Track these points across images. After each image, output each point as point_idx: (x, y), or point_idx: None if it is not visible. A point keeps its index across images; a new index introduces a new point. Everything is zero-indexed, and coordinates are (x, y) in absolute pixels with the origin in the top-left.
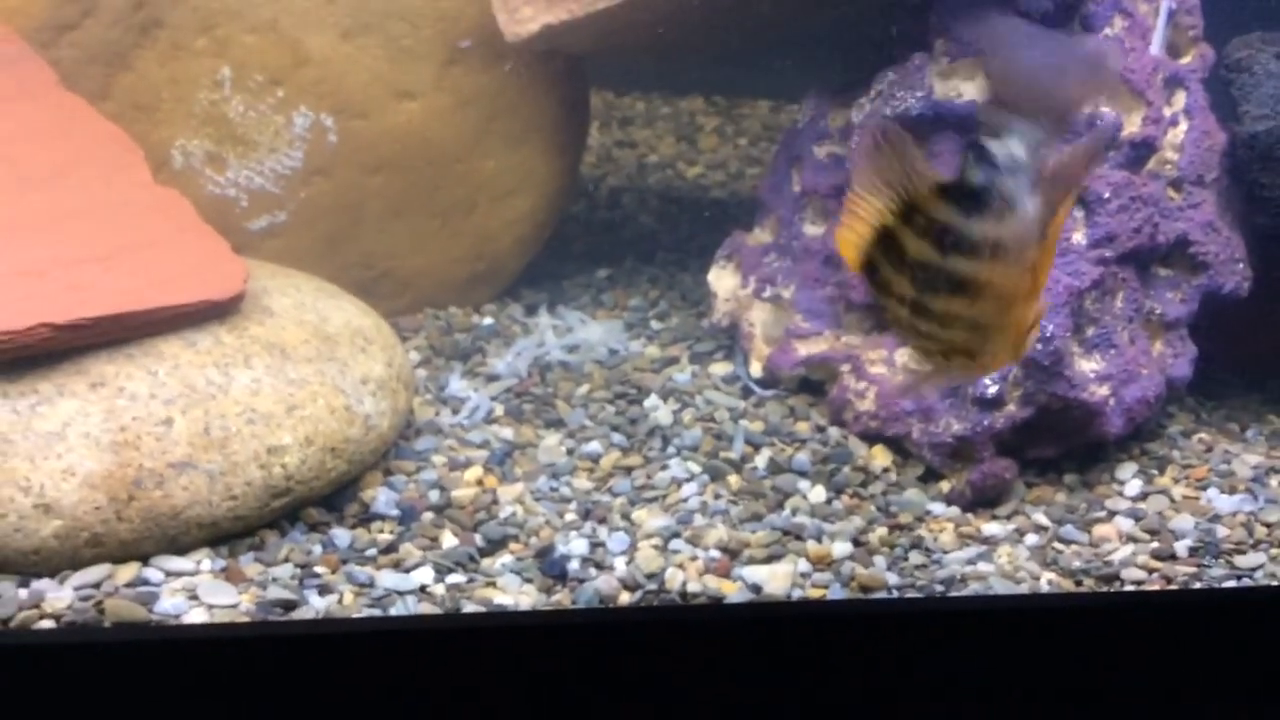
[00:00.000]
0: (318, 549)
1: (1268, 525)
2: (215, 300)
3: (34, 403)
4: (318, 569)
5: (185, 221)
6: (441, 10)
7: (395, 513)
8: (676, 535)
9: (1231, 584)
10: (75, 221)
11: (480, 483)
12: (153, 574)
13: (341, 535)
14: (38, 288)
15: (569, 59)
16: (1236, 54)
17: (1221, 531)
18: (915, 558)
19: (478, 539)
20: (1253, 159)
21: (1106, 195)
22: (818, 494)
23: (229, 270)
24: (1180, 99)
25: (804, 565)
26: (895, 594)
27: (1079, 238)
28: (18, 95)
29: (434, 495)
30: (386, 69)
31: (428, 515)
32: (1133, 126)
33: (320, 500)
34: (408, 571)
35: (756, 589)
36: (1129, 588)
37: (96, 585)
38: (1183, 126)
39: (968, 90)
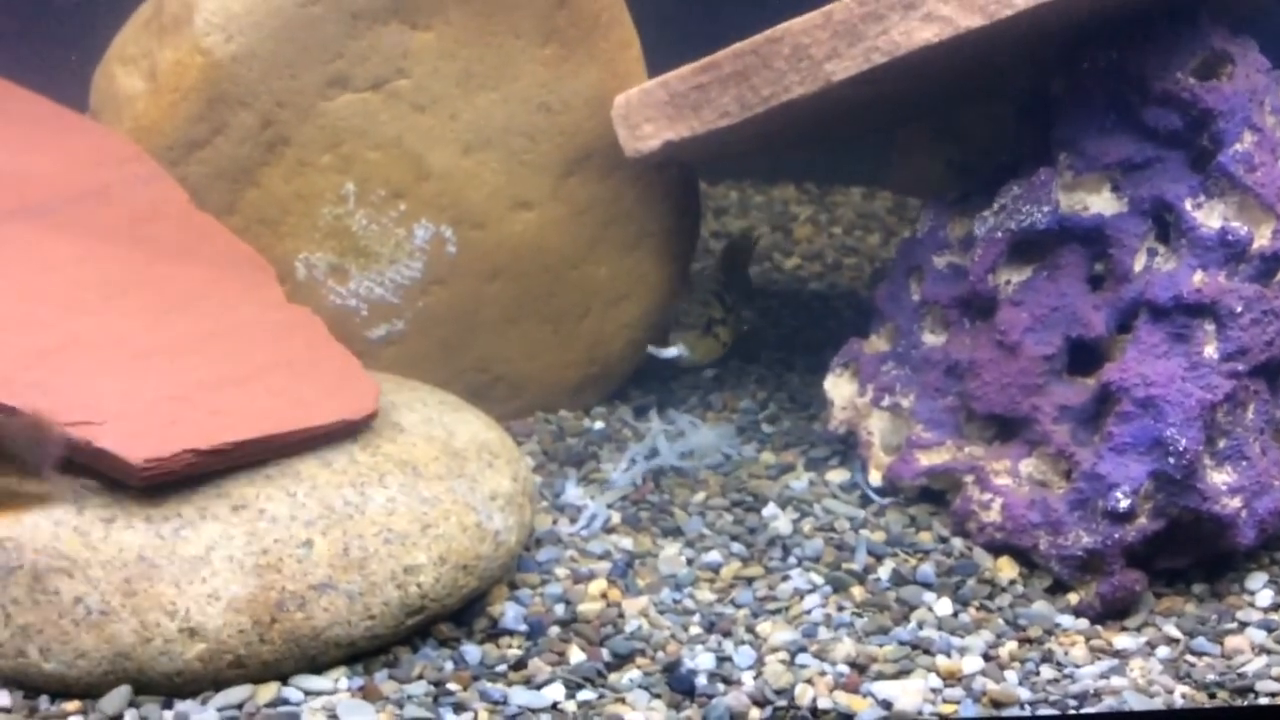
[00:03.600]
0: (449, 665)
1: None
2: (351, 420)
3: (177, 526)
4: (451, 685)
5: (318, 340)
6: (560, 125)
7: (523, 628)
8: (803, 649)
9: None
10: (214, 343)
11: (604, 595)
12: (292, 694)
13: (472, 651)
14: (182, 412)
15: (681, 166)
16: None
17: None
18: (1047, 672)
19: (604, 653)
20: None
21: (1239, 309)
22: (944, 606)
23: (362, 389)
24: None
25: (934, 680)
26: (1028, 709)
27: (1211, 352)
28: (152, 217)
29: (559, 609)
30: (505, 181)
31: (554, 629)
32: (1263, 239)
33: (450, 615)
34: (539, 688)
35: (887, 705)
36: (1263, 700)
37: (239, 706)
38: None
39: (1094, 204)
